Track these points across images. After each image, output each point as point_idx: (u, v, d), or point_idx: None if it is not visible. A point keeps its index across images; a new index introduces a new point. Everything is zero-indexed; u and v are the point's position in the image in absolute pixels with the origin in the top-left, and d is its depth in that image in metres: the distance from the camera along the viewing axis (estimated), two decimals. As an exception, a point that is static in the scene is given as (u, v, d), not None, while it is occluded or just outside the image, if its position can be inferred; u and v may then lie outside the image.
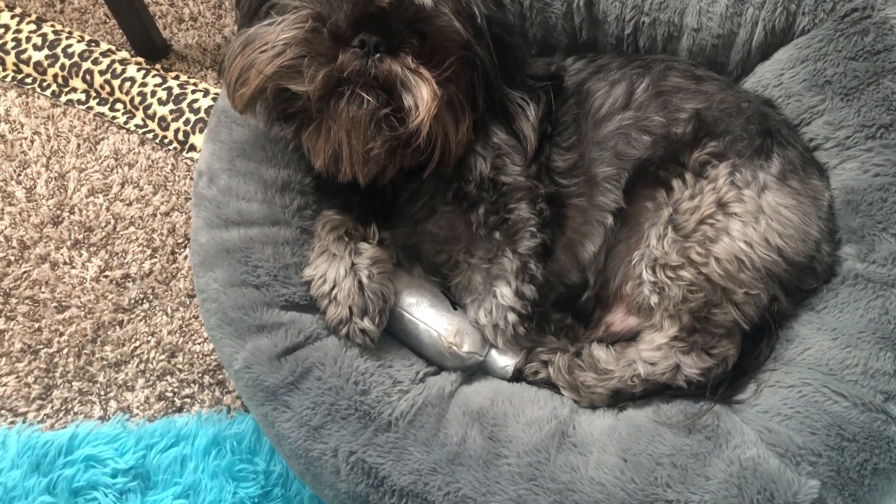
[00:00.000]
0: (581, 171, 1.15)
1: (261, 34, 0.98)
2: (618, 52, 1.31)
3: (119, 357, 1.41)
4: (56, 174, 1.60)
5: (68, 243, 1.52)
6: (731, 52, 1.28)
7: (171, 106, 1.63)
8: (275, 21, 0.98)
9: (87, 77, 1.69)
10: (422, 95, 0.97)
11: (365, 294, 1.10)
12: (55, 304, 1.46)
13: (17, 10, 1.80)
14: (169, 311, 1.45)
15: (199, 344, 1.42)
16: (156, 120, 1.64)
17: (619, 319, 1.20)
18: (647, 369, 1.12)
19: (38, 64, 1.70)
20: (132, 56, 1.74)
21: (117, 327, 1.44)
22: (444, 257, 1.18)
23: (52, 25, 1.76)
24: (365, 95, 0.97)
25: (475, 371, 1.19)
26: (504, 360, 1.18)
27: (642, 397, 1.15)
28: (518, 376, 1.20)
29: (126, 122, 1.66)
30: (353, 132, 0.99)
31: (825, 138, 1.20)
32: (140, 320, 1.45)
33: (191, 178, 1.56)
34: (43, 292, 1.47)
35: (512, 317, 1.13)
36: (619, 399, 1.15)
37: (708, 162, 1.14)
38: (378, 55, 0.97)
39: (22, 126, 1.66)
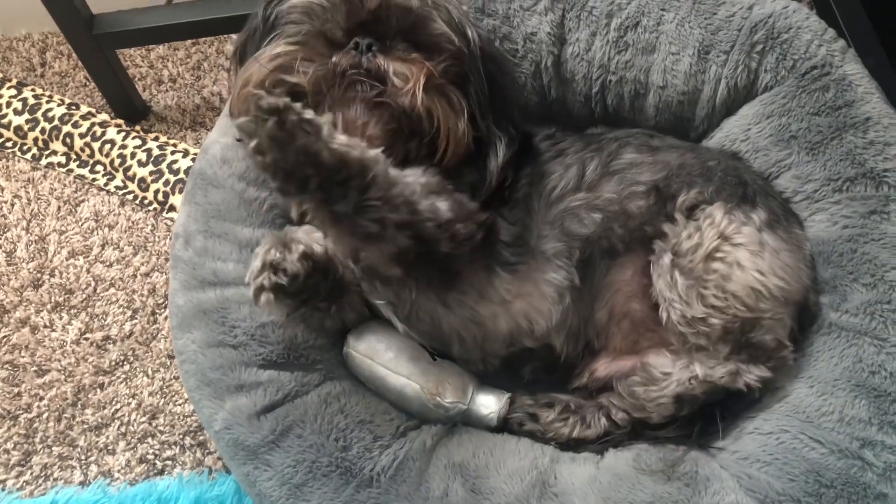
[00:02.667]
0: (524, 243, 1.15)
1: (265, 49, 1.06)
2: (580, 135, 1.31)
3: (100, 420, 1.40)
4: (36, 237, 1.61)
5: (48, 306, 1.52)
6: (696, 108, 1.31)
7: (150, 167, 1.65)
8: (275, 39, 1.07)
9: (68, 140, 1.70)
10: (409, 71, 1.03)
11: (281, 244, 1.07)
12: (35, 368, 1.45)
13: (-2, 76, 1.82)
14: (150, 372, 1.45)
15: (179, 405, 1.42)
16: (136, 181, 1.65)
17: (603, 365, 1.21)
18: (704, 371, 1.11)
19: (18, 128, 1.72)
20: (112, 118, 1.76)
21: (98, 390, 1.43)
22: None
23: (33, 90, 1.78)
24: (359, 80, 1.03)
25: (457, 422, 1.19)
26: (488, 408, 1.19)
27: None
28: (502, 426, 1.20)
29: (106, 184, 1.68)
30: (347, 115, 1.03)
31: (794, 192, 1.23)
32: (121, 382, 1.44)
33: (170, 239, 1.58)
34: (23, 356, 1.46)
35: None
36: (683, 401, 1.12)
37: (696, 205, 1.14)
38: (371, 53, 1.04)
39: (2, 190, 1.67)
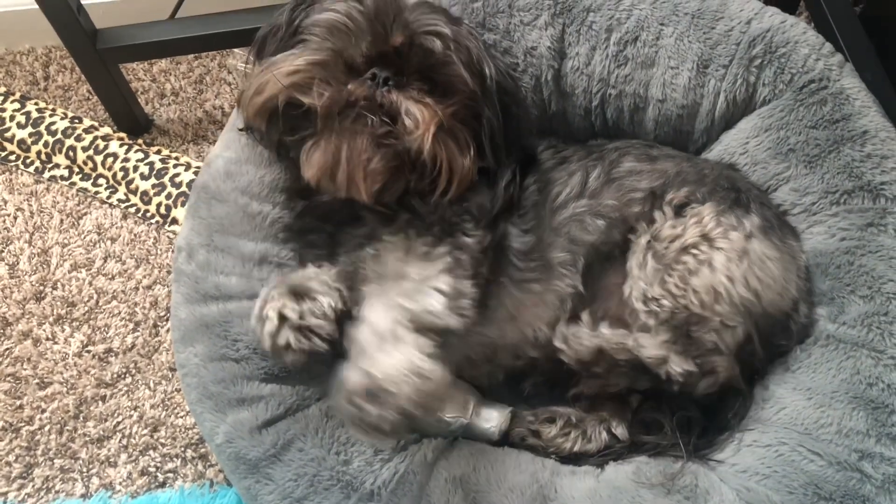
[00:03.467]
0: (538, 254, 1.17)
1: (284, 58, 1.06)
2: (582, 144, 1.33)
3: (101, 433, 1.41)
4: (39, 250, 1.62)
5: (51, 319, 1.53)
6: (695, 122, 1.32)
7: (153, 180, 1.66)
8: (296, 51, 1.07)
9: (71, 153, 1.71)
10: (421, 115, 1.03)
11: (294, 295, 1.07)
12: (37, 380, 1.46)
13: (2, 89, 1.83)
14: (151, 384, 1.46)
15: (181, 417, 1.42)
16: (138, 194, 1.66)
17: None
18: (634, 343, 1.12)
19: (21, 142, 1.73)
20: (115, 132, 1.77)
21: (100, 402, 1.44)
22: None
23: (36, 103, 1.79)
24: (369, 115, 1.03)
25: (459, 436, 1.20)
26: (490, 422, 1.19)
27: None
28: (503, 439, 1.20)
29: (109, 197, 1.69)
30: (353, 146, 1.03)
31: (792, 204, 1.24)
32: (122, 395, 1.45)
33: (173, 252, 1.58)
34: (25, 369, 1.47)
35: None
36: (601, 357, 1.13)
37: (686, 203, 1.15)
38: (386, 87, 1.04)
39: (5, 203, 1.68)
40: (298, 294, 1.07)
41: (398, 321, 0.98)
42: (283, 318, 1.06)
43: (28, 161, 1.74)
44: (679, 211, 1.15)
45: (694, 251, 1.10)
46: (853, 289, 1.15)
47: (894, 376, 1.08)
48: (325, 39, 1.06)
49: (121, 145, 1.72)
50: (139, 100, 1.83)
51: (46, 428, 1.41)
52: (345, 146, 1.03)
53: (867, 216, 1.17)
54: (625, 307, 1.16)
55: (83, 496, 1.35)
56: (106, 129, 1.76)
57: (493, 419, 1.19)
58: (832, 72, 1.24)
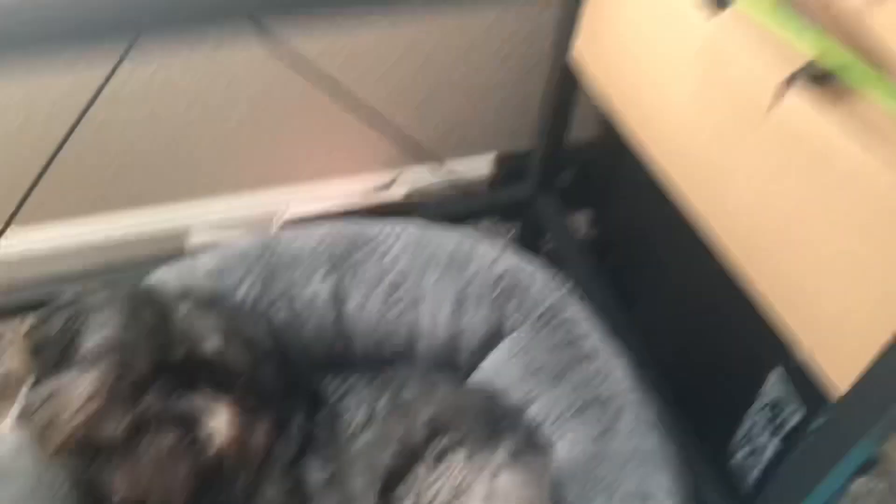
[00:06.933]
0: (339, 484, 1.24)
1: (66, 384, 1.05)
2: (366, 371, 1.45)
3: None
4: None
5: None
6: (460, 352, 1.51)
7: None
8: (78, 372, 1.06)
9: None
10: (219, 425, 1.08)
11: None
12: None
13: None
14: None
15: None
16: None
17: None
18: None
19: None
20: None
21: None
22: None
23: None
24: (167, 430, 1.05)
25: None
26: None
27: None
28: None
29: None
30: (157, 466, 1.05)
31: (544, 417, 1.38)
32: None
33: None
34: None
35: None
36: None
37: (445, 451, 1.24)
38: (176, 394, 1.07)
39: None
40: None
41: None
42: None
43: None
44: (440, 457, 1.23)
45: None
46: (593, 496, 1.27)
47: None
48: (105, 360, 1.07)
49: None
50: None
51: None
52: (151, 466, 1.05)
53: (600, 425, 1.33)
54: None
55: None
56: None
57: None
58: (563, 301, 1.46)
